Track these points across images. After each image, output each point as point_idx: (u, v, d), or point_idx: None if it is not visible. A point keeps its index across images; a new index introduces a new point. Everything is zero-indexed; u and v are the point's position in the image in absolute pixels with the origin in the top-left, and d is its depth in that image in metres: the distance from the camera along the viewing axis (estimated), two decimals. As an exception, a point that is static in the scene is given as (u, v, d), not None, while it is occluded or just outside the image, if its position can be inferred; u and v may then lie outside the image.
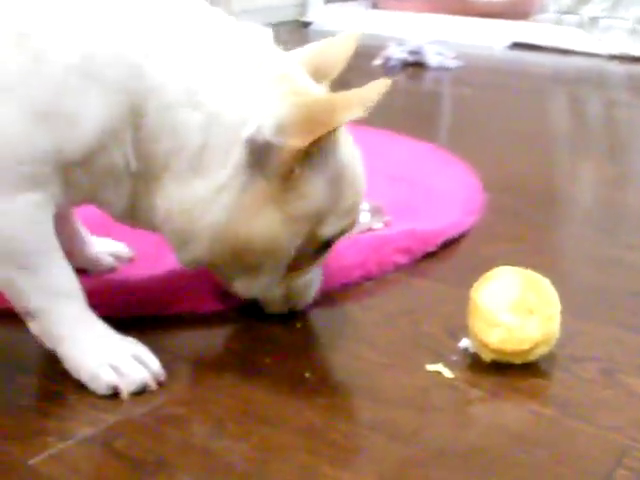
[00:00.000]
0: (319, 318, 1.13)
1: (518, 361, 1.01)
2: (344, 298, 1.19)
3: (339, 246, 1.24)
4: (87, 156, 0.89)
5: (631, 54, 3.15)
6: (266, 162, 0.90)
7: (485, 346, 1.00)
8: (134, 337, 0.99)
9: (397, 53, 2.88)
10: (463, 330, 1.04)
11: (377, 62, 2.85)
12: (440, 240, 1.34)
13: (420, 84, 2.81)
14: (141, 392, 0.94)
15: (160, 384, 0.96)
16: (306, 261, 1.02)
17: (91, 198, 0.97)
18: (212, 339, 1.09)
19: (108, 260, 1.21)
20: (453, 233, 1.38)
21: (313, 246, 1.00)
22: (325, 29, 3.76)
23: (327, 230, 0.99)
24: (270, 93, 0.92)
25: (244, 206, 0.92)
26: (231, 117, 0.91)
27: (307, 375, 0.99)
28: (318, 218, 0.96)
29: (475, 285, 1.03)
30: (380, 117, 2.13)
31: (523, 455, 0.85)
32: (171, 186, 0.93)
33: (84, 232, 1.20)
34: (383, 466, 0.83)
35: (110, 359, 0.94)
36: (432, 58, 2.89)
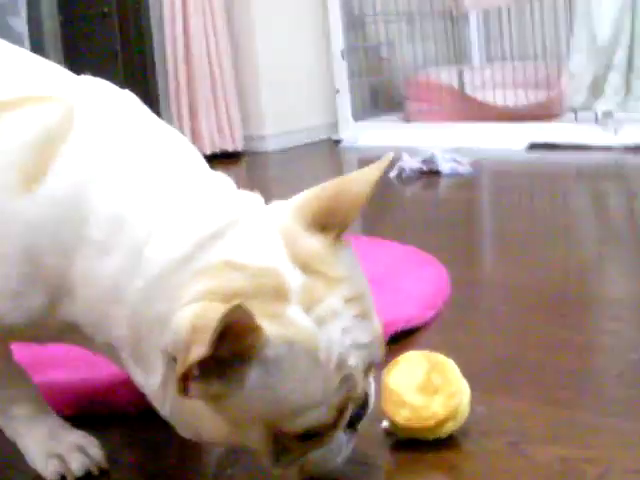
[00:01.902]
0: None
1: (430, 437, 1.10)
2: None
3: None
4: (30, 325, 0.98)
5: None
6: None
7: (395, 425, 1.10)
8: (84, 428, 1.15)
9: (411, 163, 3.03)
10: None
11: (392, 174, 2.98)
12: (390, 331, 1.44)
13: (432, 192, 2.95)
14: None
15: (103, 471, 1.10)
16: (296, 448, 0.93)
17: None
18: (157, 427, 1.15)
19: None
20: (405, 325, 1.48)
21: (288, 438, 0.91)
22: (354, 146, 3.96)
23: (291, 426, 0.89)
24: (194, 284, 0.87)
25: (185, 402, 0.89)
26: (152, 317, 0.90)
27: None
28: (266, 420, 0.89)
29: (386, 369, 1.13)
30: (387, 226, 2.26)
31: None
32: (134, 370, 0.97)
33: None
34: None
35: (57, 450, 1.09)
36: (444, 165, 3.03)
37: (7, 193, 0.93)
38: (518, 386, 1.26)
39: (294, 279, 0.89)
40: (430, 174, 3.03)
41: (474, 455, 1.08)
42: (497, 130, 3.68)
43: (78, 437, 1.12)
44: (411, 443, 1.10)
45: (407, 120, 4.13)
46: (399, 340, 1.45)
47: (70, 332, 0.99)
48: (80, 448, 1.10)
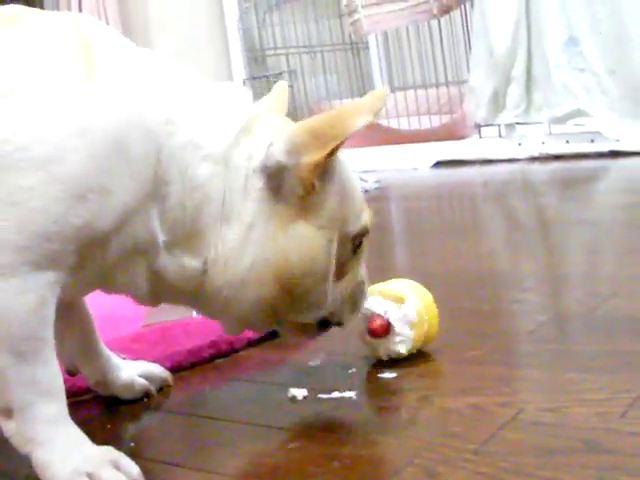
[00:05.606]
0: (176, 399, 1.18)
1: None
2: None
3: (190, 327, 1.31)
4: (112, 232, 0.88)
5: (550, 153, 3.29)
6: (283, 185, 0.94)
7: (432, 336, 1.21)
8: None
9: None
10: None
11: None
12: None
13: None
14: None
15: None
16: (349, 264, 1.03)
17: (100, 282, 0.95)
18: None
19: (141, 383, 1.18)
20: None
21: (348, 247, 1.01)
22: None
23: (353, 227, 1.01)
24: (264, 127, 0.97)
25: (275, 235, 0.94)
26: (238, 157, 0.94)
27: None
28: (342, 220, 0.99)
29: (420, 296, 1.21)
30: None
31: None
32: (202, 247, 0.94)
33: (115, 357, 1.17)
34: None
35: (87, 466, 0.87)
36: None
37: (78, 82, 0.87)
38: (426, 352, 1.23)
39: None
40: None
41: (384, 411, 1.05)
42: (403, 152, 3.71)
43: (106, 450, 0.90)
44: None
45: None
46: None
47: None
48: (113, 462, 0.88)
